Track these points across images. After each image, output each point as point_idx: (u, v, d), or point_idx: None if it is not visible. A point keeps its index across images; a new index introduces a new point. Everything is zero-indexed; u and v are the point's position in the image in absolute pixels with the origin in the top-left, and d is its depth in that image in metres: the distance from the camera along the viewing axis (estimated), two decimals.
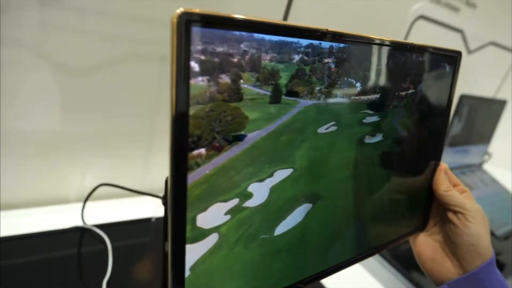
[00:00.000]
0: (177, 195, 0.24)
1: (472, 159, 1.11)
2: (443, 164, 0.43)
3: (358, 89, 0.34)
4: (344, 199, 0.38)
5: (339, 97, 0.33)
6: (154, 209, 0.73)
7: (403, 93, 0.39)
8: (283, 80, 0.28)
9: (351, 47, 0.32)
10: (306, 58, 0.29)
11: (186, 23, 0.21)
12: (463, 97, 0.91)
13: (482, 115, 1.03)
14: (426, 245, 0.43)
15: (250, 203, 0.30)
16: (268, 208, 0.31)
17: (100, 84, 0.67)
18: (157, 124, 0.76)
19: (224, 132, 0.26)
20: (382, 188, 0.40)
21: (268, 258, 0.32)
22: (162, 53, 0.70)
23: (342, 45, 0.31)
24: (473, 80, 1.21)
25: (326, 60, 0.30)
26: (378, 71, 0.35)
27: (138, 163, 0.77)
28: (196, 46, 0.22)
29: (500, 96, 1.34)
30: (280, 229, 0.32)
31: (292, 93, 0.29)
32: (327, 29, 0.29)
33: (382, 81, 0.36)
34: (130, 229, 0.68)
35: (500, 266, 0.87)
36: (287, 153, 0.31)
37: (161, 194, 0.58)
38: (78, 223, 0.65)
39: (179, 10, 0.20)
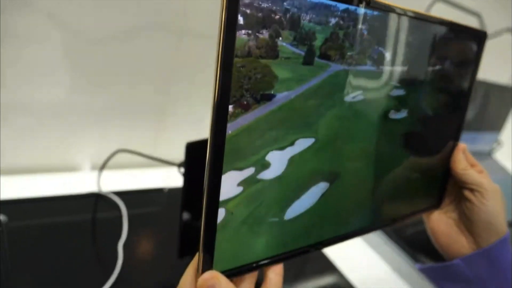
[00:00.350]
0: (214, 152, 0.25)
1: (482, 146, 1.11)
2: (462, 144, 0.44)
3: (388, 59, 0.34)
4: (363, 175, 0.37)
5: (369, 65, 0.33)
6: (166, 179, 0.75)
7: (430, 68, 0.39)
8: (318, 42, 0.28)
9: (384, 16, 0.32)
10: (341, 22, 0.29)
11: None
12: (475, 82, 0.90)
13: (495, 102, 1.03)
14: (440, 221, 0.44)
15: (265, 175, 0.29)
16: (283, 183, 0.30)
17: (116, 53, 0.68)
18: (170, 95, 0.77)
19: (253, 90, 0.26)
20: (400, 165, 0.41)
21: (274, 248, 0.31)
22: (178, 26, 0.71)
23: (376, 13, 0.31)
24: (488, 66, 1.20)
25: (359, 27, 0.30)
26: (408, 44, 0.35)
27: (151, 133, 0.79)
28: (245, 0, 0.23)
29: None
30: (292, 211, 0.32)
31: (325, 56, 0.29)
32: None
33: (411, 54, 0.36)
34: (144, 197, 0.70)
35: None
36: (312, 120, 0.31)
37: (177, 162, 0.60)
38: (94, 189, 0.67)
39: None
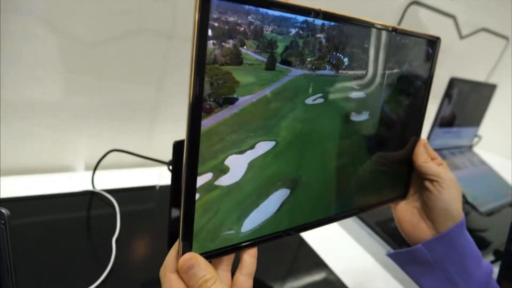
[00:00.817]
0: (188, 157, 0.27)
1: (462, 141, 1.15)
2: (423, 140, 0.47)
3: (346, 64, 0.37)
4: (326, 177, 0.39)
5: (328, 70, 0.35)
6: (158, 177, 0.78)
7: (388, 72, 0.42)
8: (280, 49, 0.31)
9: (341, 26, 0.35)
10: (301, 32, 0.32)
11: None
12: (453, 80, 0.95)
13: (473, 98, 1.07)
14: (405, 211, 0.47)
15: (223, 181, 0.29)
16: (241, 190, 0.30)
17: (109, 56, 0.71)
18: (161, 96, 0.80)
19: (215, 95, 0.28)
20: (364, 163, 0.43)
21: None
22: (168, 29, 0.74)
23: (333, 23, 0.34)
24: (465, 65, 1.25)
25: (318, 35, 0.33)
26: (365, 50, 0.38)
27: (143, 132, 0.82)
28: (213, 14, 0.26)
29: (492, 80, 1.38)
30: (249, 223, 0.32)
31: (285, 62, 0.32)
32: (320, 9, 0.32)
33: (368, 59, 0.39)
34: (136, 195, 0.73)
35: (484, 240, 0.92)
36: (273, 122, 0.32)
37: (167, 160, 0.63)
38: (89, 188, 0.71)
39: None
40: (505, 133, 1.37)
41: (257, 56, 0.30)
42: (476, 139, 1.22)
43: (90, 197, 0.69)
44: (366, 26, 0.38)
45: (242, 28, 0.28)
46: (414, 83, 0.46)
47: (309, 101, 0.35)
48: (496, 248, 0.78)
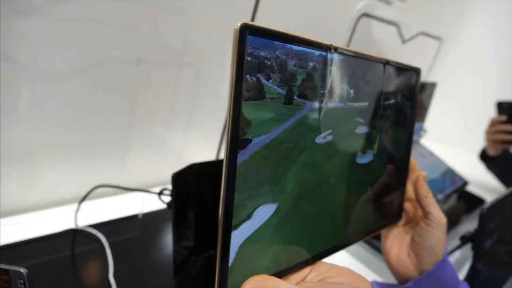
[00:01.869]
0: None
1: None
2: (423, 173, 0.49)
3: (352, 95, 0.37)
4: (333, 214, 0.39)
5: (337, 102, 0.36)
6: (141, 204, 0.77)
7: (387, 102, 0.43)
8: (298, 82, 0.32)
9: (348, 59, 0.37)
10: (317, 65, 0.33)
11: (243, 32, 0.26)
12: None
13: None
14: (394, 242, 0.49)
15: None
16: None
17: (79, 89, 0.69)
18: (135, 124, 0.79)
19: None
20: (366, 194, 0.44)
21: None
22: (136, 57, 0.74)
23: (341, 57, 0.36)
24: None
25: (330, 68, 0.34)
26: (366, 81, 0.39)
27: (117, 160, 0.81)
28: (248, 50, 0.27)
29: (430, 79, 1.52)
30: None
31: (302, 95, 0.32)
32: (331, 44, 0.34)
33: (370, 90, 0.40)
34: (120, 226, 0.72)
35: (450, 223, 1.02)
36: (281, 171, 0.31)
37: (154, 190, 0.63)
38: (71, 225, 0.68)
39: (241, 22, 0.26)
40: (447, 124, 1.51)
41: (279, 90, 0.30)
42: (422, 132, 1.34)
43: (73, 236, 0.67)
44: (367, 59, 0.40)
45: (269, 62, 0.29)
46: (403, 112, 0.48)
47: (319, 139, 0.35)
48: (462, 234, 0.87)
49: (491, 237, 0.60)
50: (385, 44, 1.16)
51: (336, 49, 0.35)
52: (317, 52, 0.33)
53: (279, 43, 0.29)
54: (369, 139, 0.42)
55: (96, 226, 0.69)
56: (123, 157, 0.81)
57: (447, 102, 1.43)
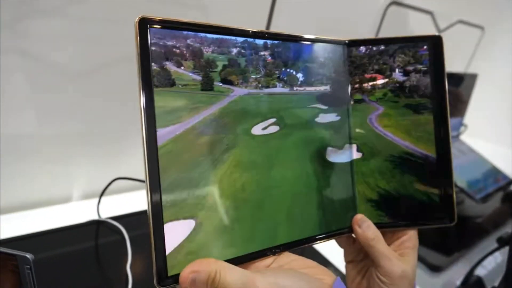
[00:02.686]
0: None
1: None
2: (359, 215, 0.38)
3: (301, 79, 0.33)
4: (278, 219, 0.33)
5: (279, 87, 0.32)
6: None
7: (352, 87, 0.37)
8: (219, 68, 0.29)
9: (286, 43, 0.33)
10: (243, 51, 0.31)
11: (143, 24, 0.26)
12: None
13: (455, 89, 1.11)
14: (356, 274, 0.41)
15: None
16: None
17: (98, 84, 0.71)
18: None
19: None
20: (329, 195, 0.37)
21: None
22: None
23: (276, 41, 0.32)
24: (446, 58, 1.29)
25: (262, 53, 0.31)
26: (321, 65, 0.35)
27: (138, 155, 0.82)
28: (152, 40, 0.26)
29: (471, 70, 1.43)
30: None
31: (226, 81, 0.29)
32: (251, 30, 0.32)
33: (329, 74, 0.35)
34: (142, 219, 0.73)
35: (483, 228, 0.95)
36: (198, 174, 0.27)
37: None
38: (94, 217, 0.70)
39: (140, 15, 0.26)
40: (489, 119, 1.41)
41: (194, 76, 0.28)
42: (462, 128, 1.26)
43: (97, 227, 0.69)
44: (315, 41, 0.35)
45: (179, 51, 0.28)
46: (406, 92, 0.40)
47: (257, 130, 0.30)
48: (499, 235, 0.81)
49: None
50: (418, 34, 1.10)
51: (261, 34, 0.32)
52: (240, 39, 0.31)
53: (189, 32, 0.28)
54: (342, 130, 0.35)
55: (117, 218, 0.71)
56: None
57: (490, 95, 1.34)
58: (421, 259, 0.78)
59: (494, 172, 1.14)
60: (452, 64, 1.42)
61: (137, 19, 0.26)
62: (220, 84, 0.29)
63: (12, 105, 0.64)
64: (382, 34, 0.96)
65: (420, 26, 1.08)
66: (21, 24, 0.60)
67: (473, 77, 1.16)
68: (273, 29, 0.84)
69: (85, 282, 0.57)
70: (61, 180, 0.75)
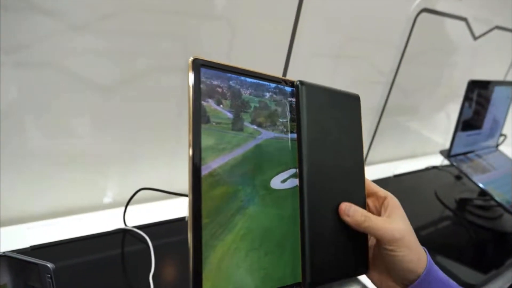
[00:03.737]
0: None
1: (488, 142, 1.13)
2: (342, 205, 0.38)
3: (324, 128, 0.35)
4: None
5: (304, 134, 0.34)
6: (186, 209, 0.79)
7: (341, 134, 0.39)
8: (251, 109, 0.32)
9: (314, 90, 0.36)
10: (274, 96, 0.34)
11: (195, 64, 0.29)
12: (471, 83, 0.94)
13: (493, 98, 1.06)
14: (374, 264, 0.43)
15: None
16: None
17: (127, 97, 0.73)
18: (181, 132, 0.82)
19: None
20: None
21: None
22: (180, 64, 0.76)
23: (305, 89, 0.35)
24: (482, 65, 1.24)
25: (289, 99, 0.35)
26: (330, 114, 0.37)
27: (166, 168, 0.83)
28: (201, 79, 0.29)
29: (510, 78, 1.36)
30: None
31: (255, 122, 0.32)
32: (284, 78, 0.35)
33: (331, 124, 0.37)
34: (167, 228, 0.74)
35: None
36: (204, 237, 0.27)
37: None
38: (120, 225, 0.72)
39: (193, 56, 0.29)
40: None
41: (228, 114, 0.30)
42: (501, 138, 1.20)
43: (122, 235, 0.70)
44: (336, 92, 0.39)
45: (221, 90, 0.30)
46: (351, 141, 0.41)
47: (276, 182, 0.32)
48: None
49: None
50: (452, 41, 1.06)
51: (293, 83, 0.35)
52: (272, 85, 0.34)
53: (232, 75, 0.31)
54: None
55: (143, 227, 0.72)
56: (172, 164, 0.84)
57: None
58: (455, 278, 0.74)
59: None
60: (491, 71, 1.36)
61: (191, 59, 0.29)
62: (250, 125, 0.31)
63: (51, 120, 0.67)
64: (413, 42, 0.93)
65: (454, 33, 1.04)
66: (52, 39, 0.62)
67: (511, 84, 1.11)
68: (298, 31, 0.83)
69: None
70: (90, 188, 0.77)
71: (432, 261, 0.39)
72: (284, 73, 0.85)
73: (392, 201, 0.41)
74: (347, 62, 0.94)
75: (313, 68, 0.93)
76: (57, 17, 0.61)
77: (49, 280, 0.39)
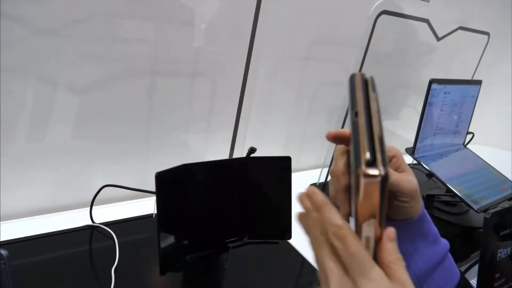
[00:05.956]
0: None
1: (454, 140, 1.17)
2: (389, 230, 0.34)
3: None
4: None
5: None
6: (154, 207, 0.81)
7: None
8: None
9: None
10: None
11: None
12: (431, 82, 0.97)
13: (457, 97, 1.09)
14: None
15: None
16: None
17: (100, 98, 0.76)
18: (151, 130, 0.85)
19: None
20: None
21: None
22: (149, 67, 0.79)
23: None
24: (450, 65, 1.28)
25: None
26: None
27: (135, 166, 0.86)
28: None
29: (479, 77, 1.40)
30: None
31: None
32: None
33: None
34: (134, 225, 0.77)
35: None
36: None
37: None
38: (87, 223, 0.74)
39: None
40: (497, 125, 1.38)
41: None
42: (469, 136, 1.23)
43: (90, 232, 0.73)
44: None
45: None
46: None
47: None
48: None
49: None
50: (416, 42, 1.09)
51: None
52: None
53: None
54: None
55: (110, 224, 0.74)
56: (142, 163, 0.87)
57: (495, 102, 1.31)
58: None
59: (501, 182, 1.10)
60: (460, 70, 1.40)
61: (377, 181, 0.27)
62: None
63: (21, 120, 0.69)
64: (375, 44, 0.97)
65: (417, 34, 1.07)
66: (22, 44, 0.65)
67: (477, 82, 1.14)
68: (258, 34, 0.86)
69: (71, 281, 0.60)
70: (60, 189, 0.80)
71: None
72: (245, 78, 0.88)
73: (401, 156, 0.41)
74: (313, 65, 0.97)
75: (281, 72, 0.96)
76: (26, 23, 0.63)
77: (3, 266, 0.41)
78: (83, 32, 0.69)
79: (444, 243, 0.43)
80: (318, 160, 1.15)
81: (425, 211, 0.42)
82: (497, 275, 0.51)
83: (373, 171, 0.26)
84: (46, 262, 0.64)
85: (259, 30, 0.82)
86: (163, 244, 0.57)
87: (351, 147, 0.29)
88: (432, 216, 1.02)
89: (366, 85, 0.32)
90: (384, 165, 0.26)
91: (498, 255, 0.50)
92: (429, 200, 1.11)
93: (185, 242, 0.62)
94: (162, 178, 0.55)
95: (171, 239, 0.59)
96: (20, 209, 0.75)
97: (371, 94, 0.31)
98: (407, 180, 0.39)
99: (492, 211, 0.50)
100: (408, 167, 0.41)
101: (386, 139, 0.28)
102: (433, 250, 0.41)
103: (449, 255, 0.43)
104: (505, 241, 0.51)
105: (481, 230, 0.95)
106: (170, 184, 0.57)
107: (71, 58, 0.70)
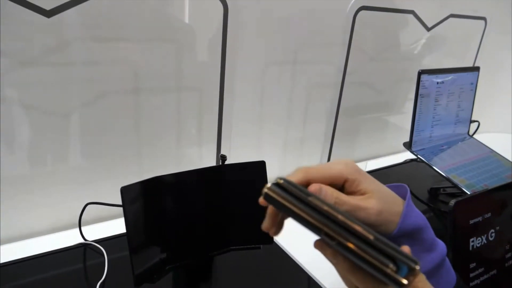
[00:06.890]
0: None
1: (457, 130, 1.13)
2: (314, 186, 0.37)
3: None
4: None
5: None
6: None
7: None
8: None
9: None
10: None
11: None
12: (422, 73, 0.95)
13: (452, 86, 1.06)
14: None
15: None
16: None
17: (83, 122, 0.79)
18: (141, 148, 0.87)
19: None
20: None
21: None
22: (131, 86, 0.81)
23: None
24: (448, 53, 1.24)
25: None
26: None
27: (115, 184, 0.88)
28: None
29: (480, 64, 1.35)
30: None
31: None
32: None
33: None
34: (124, 241, 0.78)
35: None
36: None
37: None
38: (79, 241, 0.77)
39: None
40: (504, 111, 1.32)
41: None
42: (475, 125, 1.19)
43: (82, 250, 0.75)
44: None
45: None
46: None
47: None
48: None
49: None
50: (405, 35, 1.06)
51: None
52: None
53: None
54: None
55: (101, 241, 0.76)
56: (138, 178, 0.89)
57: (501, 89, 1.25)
58: None
59: (505, 169, 1.06)
60: (460, 57, 1.36)
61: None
62: None
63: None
64: (358, 40, 0.95)
65: (404, 26, 1.05)
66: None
67: (475, 69, 1.11)
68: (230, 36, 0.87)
69: None
70: (55, 209, 0.83)
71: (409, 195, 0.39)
72: (222, 84, 0.88)
73: (357, 177, 0.37)
74: (298, 67, 0.97)
75: (265, 77, 0.97)
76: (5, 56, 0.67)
77: None
78: (59, 60, 0.71)
79: (441, 248, 0.41)
80: (317, 162, 1.14)
81: (417, 219, 0.39)
82: (472, 265, 0.48)
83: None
84: (37, 282, 0.67)
85: (230, 42, 0.83)
86: (136, 257, 0.58)
87: None
88: (438, 210, 1.00)
89: (287, 190, 0.31)
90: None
91: (471, 244, 0.48)
92: (434, 193, 1.08)
93: (163, 253, 0.63)
94: (129, 191, 0.56)
95: (145, 251, 0.60)
96: (18, 232, 0.78)
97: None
98: (362, 209, 0.36)
99: (456, 200, 0.48)
100: (371, 186, 0.37)
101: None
102: (426, 258, 0.39)
103: (446, 260, 0.41)
104: (477, 230, 0.49)
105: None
106: (140, 197, 0.59)
107: (51, 85, 0.73)
